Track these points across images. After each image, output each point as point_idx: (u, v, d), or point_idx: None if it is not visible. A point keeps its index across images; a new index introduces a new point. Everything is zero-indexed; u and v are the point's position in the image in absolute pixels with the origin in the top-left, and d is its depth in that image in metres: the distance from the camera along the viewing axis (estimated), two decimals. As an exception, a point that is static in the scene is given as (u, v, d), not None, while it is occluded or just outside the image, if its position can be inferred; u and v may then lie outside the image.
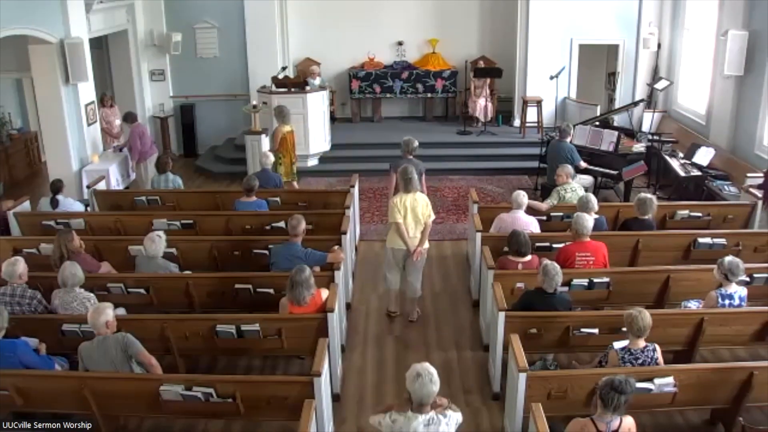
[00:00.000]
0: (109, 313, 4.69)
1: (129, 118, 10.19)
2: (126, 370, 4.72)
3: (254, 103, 10.84)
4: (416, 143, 7.79)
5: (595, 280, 5.86)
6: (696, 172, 9.18)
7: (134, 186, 10.27)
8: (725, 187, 8.75)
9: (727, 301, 5.38)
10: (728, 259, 5.34)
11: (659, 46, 11.94)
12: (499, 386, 5.51)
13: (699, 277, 5.92)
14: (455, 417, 3.82)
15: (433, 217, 6.53)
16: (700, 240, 6.71)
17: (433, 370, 3.71)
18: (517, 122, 12.40)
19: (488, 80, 12.35)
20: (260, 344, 5.37)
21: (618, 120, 11.05)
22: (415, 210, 6.35)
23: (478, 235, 6.77)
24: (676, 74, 11.60)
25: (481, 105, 12.22)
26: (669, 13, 11.74)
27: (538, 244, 6.50)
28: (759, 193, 7.57)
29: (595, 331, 5.27)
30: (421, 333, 6.57)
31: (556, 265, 5.27)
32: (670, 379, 4.57)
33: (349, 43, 13.05)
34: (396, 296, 6.83)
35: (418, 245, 6.39)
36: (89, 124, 9.88)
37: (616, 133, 9.43)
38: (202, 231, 7.34)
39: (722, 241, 6.72)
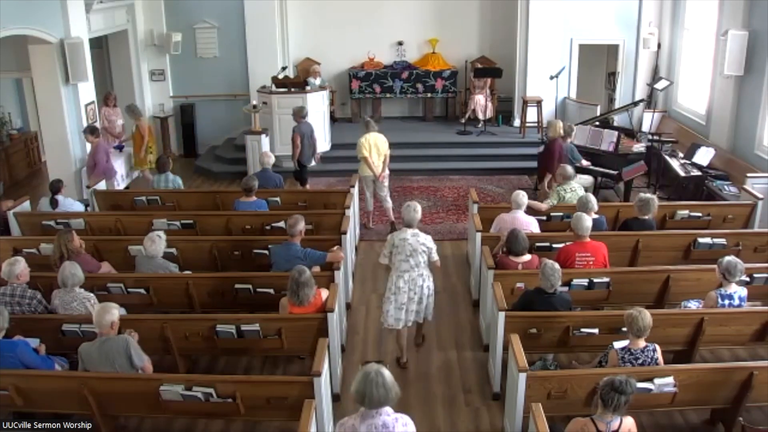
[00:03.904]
0: (115, 313, 4.69)
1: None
2: (128, 371, 4.71)
3: (254, 103, 10.85)
4: (307, 110, 9.49)
5: (595, 280, 5.86)
6: (696, 172, 9.17)
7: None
8: (725, 187, 8.74)
9: (726, 301, 5.38)
10: (728, 259, 5.34)
11: (659, 46, 11.94)
12: (499, 386, 5.51)
13: (699, 277, 5.93)
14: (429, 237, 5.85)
15: (389, 151, 8.63)
16: (700, 240, 6.71)
17: (418, 206, 5.79)
18: (517, 122, 12.39)
19: (488, 80, 12.35)
20: (260, 344, 5.36)
21: (618, 120, 11.06)
22: (377, 145, 8.48)
23: (478, 235, 6.78)
24: (676, 74, 11.59)
25: (482, 104, 12.22)
26: (669, 13, 11.73)
27: (538, 244, 6.51)
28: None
29: (595, 331, 5.27)
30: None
31: (555, 265, 5.26)
32: (670, 379, 4.57)
33: (349, 43, 13.05)
34: (372, 216, 9.08)
35: (382, 171, 8.52)
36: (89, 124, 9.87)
37: (616, 133, 9.44)
38: (202, 231, 7.34)
39: (722, 241, 6.72)
